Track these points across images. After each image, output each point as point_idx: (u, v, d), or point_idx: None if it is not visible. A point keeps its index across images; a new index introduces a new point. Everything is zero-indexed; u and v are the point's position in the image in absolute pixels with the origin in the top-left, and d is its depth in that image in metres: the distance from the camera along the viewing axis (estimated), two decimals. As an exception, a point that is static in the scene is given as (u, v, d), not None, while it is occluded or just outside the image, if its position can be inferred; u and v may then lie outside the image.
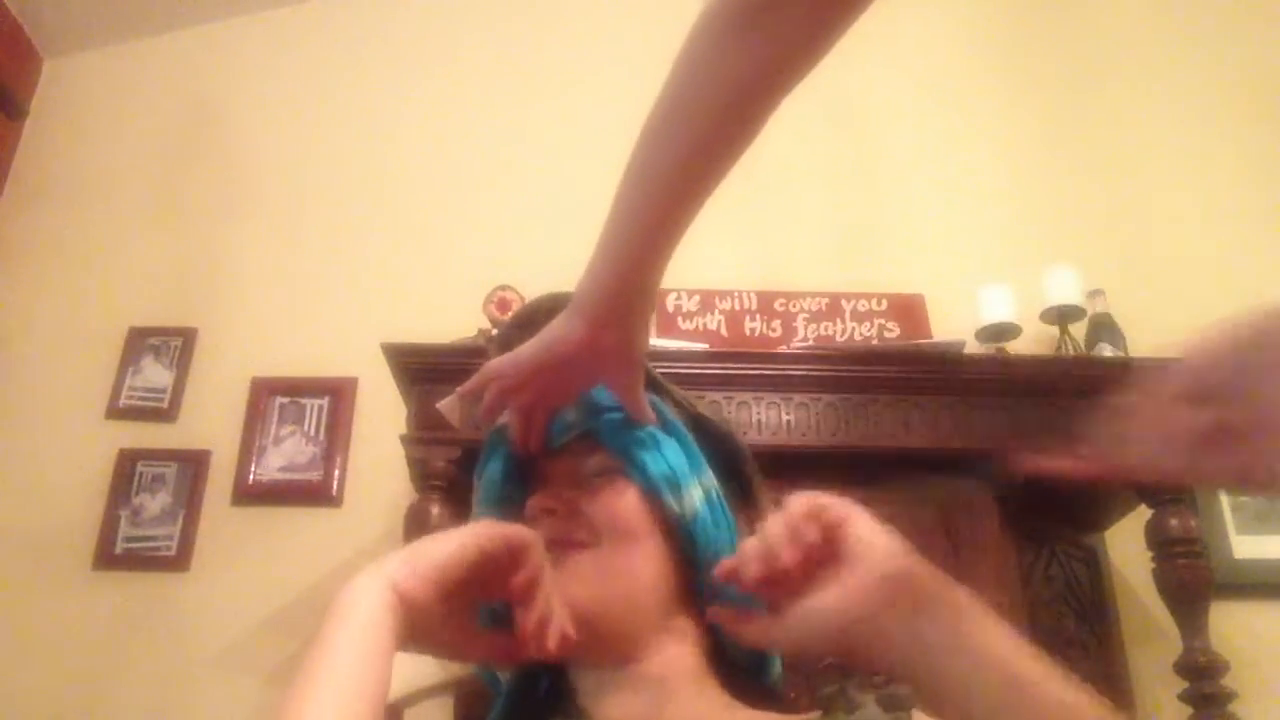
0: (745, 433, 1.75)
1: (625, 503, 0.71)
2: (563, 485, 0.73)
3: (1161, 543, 1.78)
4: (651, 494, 0.71)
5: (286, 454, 2.20)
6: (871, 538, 0.59)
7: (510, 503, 0.75)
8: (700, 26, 0.63)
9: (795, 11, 0.60)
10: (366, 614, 0.55)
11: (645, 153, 0.67)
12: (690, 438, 0.75)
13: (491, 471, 0.76)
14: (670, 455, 0.73)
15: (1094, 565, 1.96)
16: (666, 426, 0.75)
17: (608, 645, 0.69)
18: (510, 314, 0.85)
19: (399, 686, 0.76)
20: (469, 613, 0.64)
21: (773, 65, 0.62)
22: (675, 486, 0.71)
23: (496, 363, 0.76)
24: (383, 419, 2.07)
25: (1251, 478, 0.52)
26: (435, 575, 0.59)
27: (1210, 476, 0.56)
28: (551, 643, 0.62)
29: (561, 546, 0.69)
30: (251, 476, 2.18)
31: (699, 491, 0.72)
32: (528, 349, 0.74)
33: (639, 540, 0.70)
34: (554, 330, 0.72)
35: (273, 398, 2.25)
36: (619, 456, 0.72)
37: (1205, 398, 0.51)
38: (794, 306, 2.21)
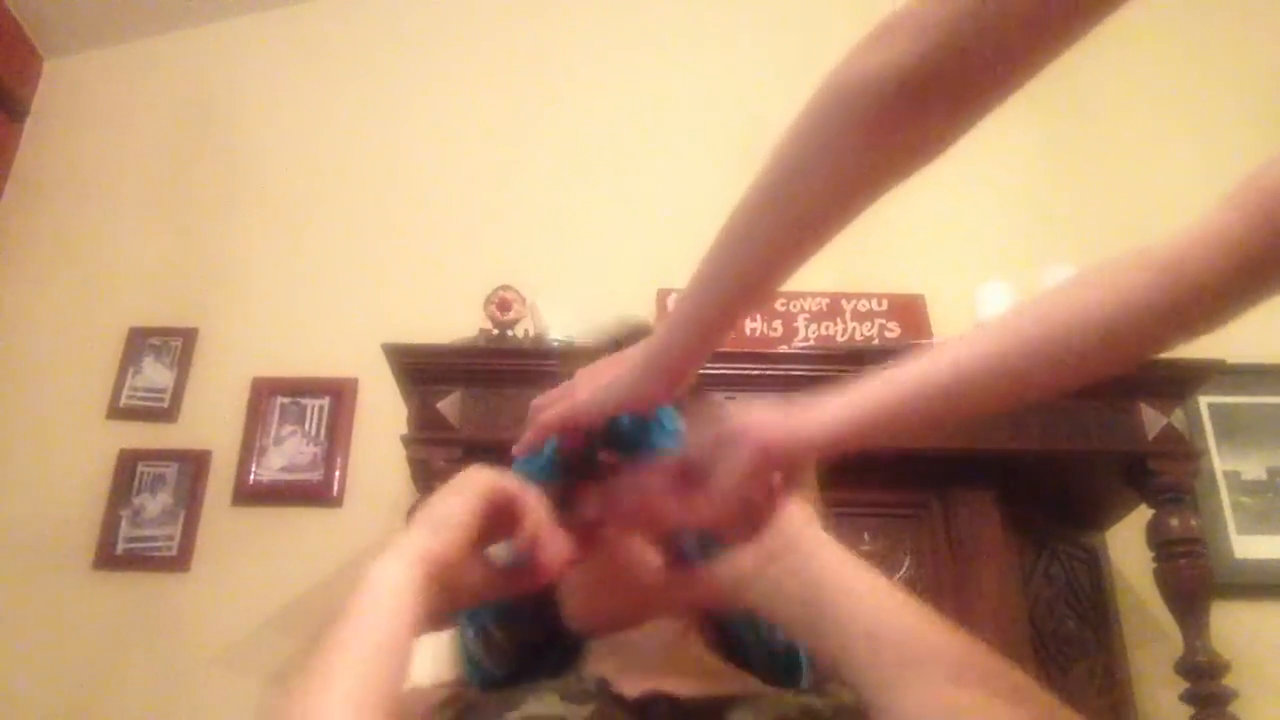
0: (745, 433, 1.75)
1: None
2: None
3: (1162, 543, 1.78)
4: None
5: (287, 454, 2.20)
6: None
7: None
8: (825, 108, 0.59)
9: (933, 118, 0.56)
10: (394, 594, 0.58)
11: (748, 217, 0.65)
12: None
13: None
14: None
15: (1094, 565, 1.96)
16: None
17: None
18: (602, 337, 0.90)
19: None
20: (478, 556, 0.67)
21: (897, 165, 0.60)
22: None
23: (550, 405, 0.76)
24: (383, 419, 2.07)
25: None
26: (463, 532, 0.63)
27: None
28: (561, 568, 0.68)
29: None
30: (252, 477, 2.17)
31: None
32: (588, 393, 0.75)
33: None
34: (621, 387, 0.73)
35: (273, 398, 2.25)
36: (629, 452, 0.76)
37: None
38: (794, 306, 2.21)
